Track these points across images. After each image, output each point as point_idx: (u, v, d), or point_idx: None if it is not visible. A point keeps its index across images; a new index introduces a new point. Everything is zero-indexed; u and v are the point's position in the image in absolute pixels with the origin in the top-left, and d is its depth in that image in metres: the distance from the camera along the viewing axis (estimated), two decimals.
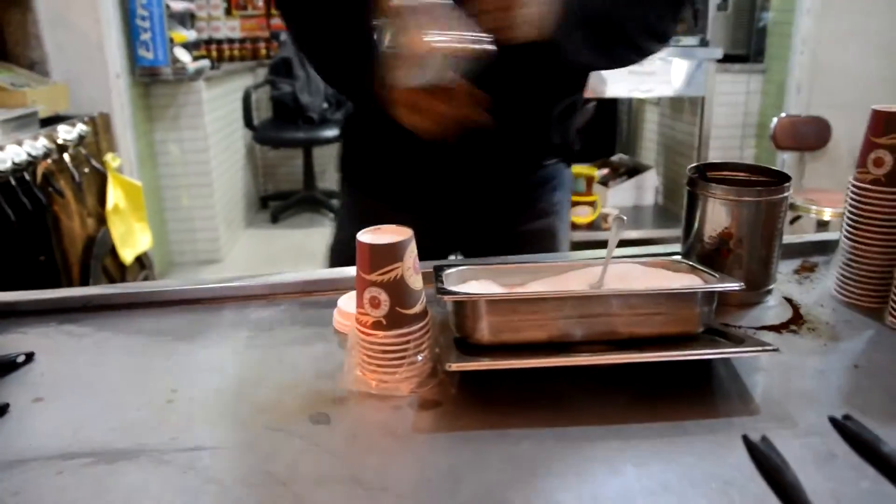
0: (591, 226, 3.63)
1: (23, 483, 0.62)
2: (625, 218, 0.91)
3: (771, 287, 0.96)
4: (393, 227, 0.76)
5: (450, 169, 1.16)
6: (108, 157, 2.78)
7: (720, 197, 0.93)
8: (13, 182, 2.07)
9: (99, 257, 2.66)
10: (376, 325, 0.74)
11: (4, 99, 2.42)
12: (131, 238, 2.88)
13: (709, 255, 0.94)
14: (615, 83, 3.46)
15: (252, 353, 0.85)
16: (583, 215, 3.66)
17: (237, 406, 0.74)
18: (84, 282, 2.57)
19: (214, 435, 0.68)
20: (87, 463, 0.65)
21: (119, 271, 2.84)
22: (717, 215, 0.94)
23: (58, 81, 2.88)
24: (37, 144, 2.24)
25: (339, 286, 0.99)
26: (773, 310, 0.93)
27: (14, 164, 2.06)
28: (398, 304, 0.73)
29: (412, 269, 0.74)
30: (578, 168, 3.70)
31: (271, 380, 0.78)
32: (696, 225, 0.96)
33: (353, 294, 0.91)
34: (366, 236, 0.73)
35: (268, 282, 1.02)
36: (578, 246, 3.54)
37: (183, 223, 3.94)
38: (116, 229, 2.77)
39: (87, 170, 2.57)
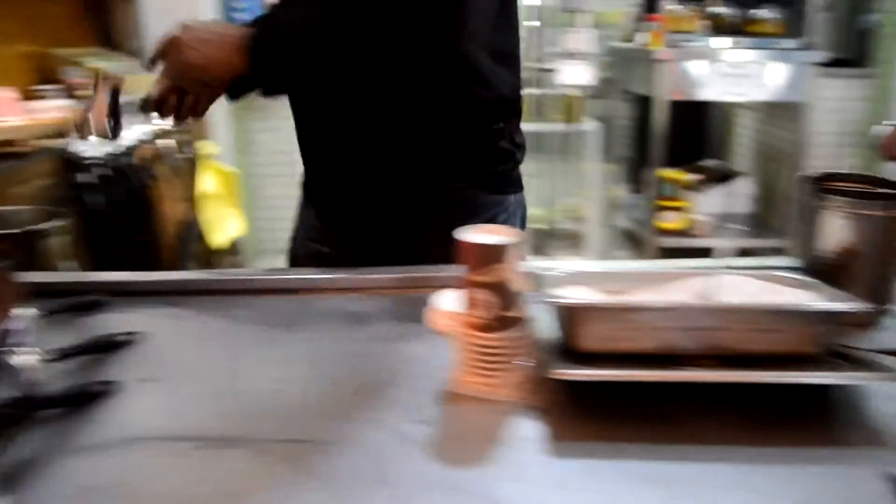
0: (681, 232, 3.54)
1: (131, 461, 0.64)
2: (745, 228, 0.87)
3: (888, 307, 0.91)
4: (498, 227, 0.75)
5: (349, 180, 1.19)
6: (203, 143, 2.86)
7: (840, 209, 0.88)
8: (117, 166, 2.15)
9: (191, 241, 2.74)
10: (482, 327, 0.72)
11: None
12: (221, 224, 2.96)
13: (823, 270, 0.90)
14: (706, 86, 3.36)
15: (350, 347, 0.85)
16: (671, 221, 3.57)
17: (338, 400, 0.74)
18: (177, 264, 2.65)
19: (317, 428, 0.68)
20: (193, 447, 0.65)
21: (210, 255, 2.92)
22: (835, 228, 0.89)
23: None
24: (139, 130, 2.33)
25: (434, 283, 0.98)
26: (890, 332, 0.88)
27: (123, 148, 2.14)
28: (504, 307, 0.71)
29: (517, 271, 0.72)
30: (665, 172, 3.60)
31: (371, 375, 0.78)
32: (809, 237, 0.92)
33: (448, 292, 0.91)
34: (471, 235, 0.72)
35: (363, 275, 1.02)
36: (667, 253, 3.48)
37: (271, 211, 4.03)
38: (205, 215, 2.85)
39: (183, 156, 2.65)
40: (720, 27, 3.50)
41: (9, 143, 2.01)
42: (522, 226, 1.30)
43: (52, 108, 2.37)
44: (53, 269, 1.49)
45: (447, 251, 1.17)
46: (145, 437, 0.67)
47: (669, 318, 0.74)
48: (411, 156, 1.14)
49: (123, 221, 2.33)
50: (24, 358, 0.73)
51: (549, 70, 3.45)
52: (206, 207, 2.83)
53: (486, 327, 0.72)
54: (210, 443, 0.66)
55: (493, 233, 0.73)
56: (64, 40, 2.81)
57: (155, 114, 1.12)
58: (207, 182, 2.85)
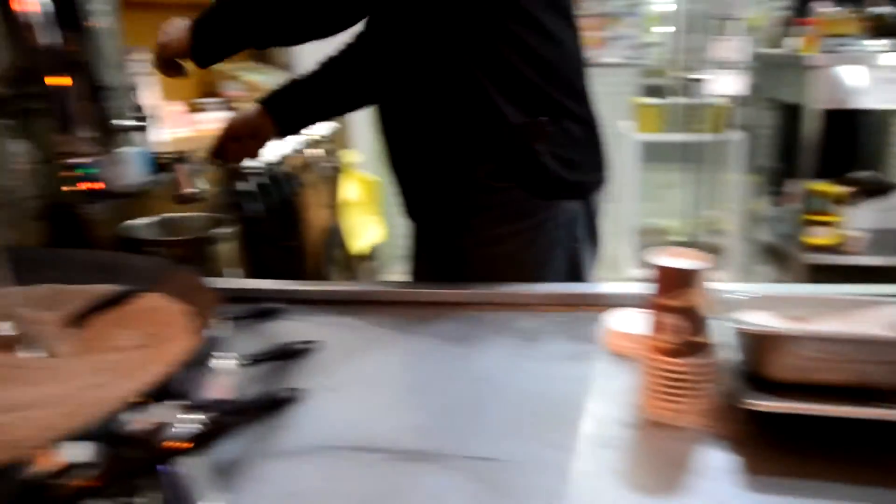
0: (831, 249, 3.34)
1: (328, 469, 0.67)
2: None
3: None
4: (688, 250, 0.73)
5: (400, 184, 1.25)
6: (347, 153, 2.96)
7: None
8: (272, 174, 2.26)
9: (334, 247, 2.84)
10: (670, 352, 0.71)
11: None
12: (362, 230, 3.05)
13: None
14: (864, 93, 3.15)
15: (524, 365, 0.86)
16: (820, 236, 3.37)
17: (519, 419, 0.74)
18: (320, 269, 2.75)
19: (501, 447, 0.69)
20: (380, 459, 0.68)
21: (350, 261, 3.01)
22: None
23: None
24: (293, 137, 2.44)
25: (603, 301, 0.97)
26: None
27: (278, 157, 2.26)
28: (694, 332, 0.70)
29: (706, 296, 0.70)
30: (814, 184, 3.41)
31: (548, 395, 0.78)
32: None
33: (623, 311, 0.89)
34: (665, 259, 0.71)
35: (531, 291, 1.03)
36: (816, 270, 3.29)
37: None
38: (347, 221, 2.94)
39: (329, 164, 2.75)
40: (881, 29, 3.28)
41: (179, 153, 2.16)
42: (589, 236, 1.23)
43: (214, 120, 2.52)
44: (220, 274, 1.58)
45: (488, 253, 1.17)
46: (337, 447, 0.70)
47: (865, 350, 0.70)
48: (458, 151, 1.13)
49: (274, 228, 2.44)
50: (225, 363, 0.78)
51: (696, 80, 3.34)
52: (348, 214, 2.93)
53: (675, 352, 0.71)
54: (399, 455, 0.68)
55: (684, 256, 0.72)
56: None
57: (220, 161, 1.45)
58: (350, 190, 2.94)
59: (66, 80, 1.42)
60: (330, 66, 1.37)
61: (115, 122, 1.53)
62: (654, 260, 0.72)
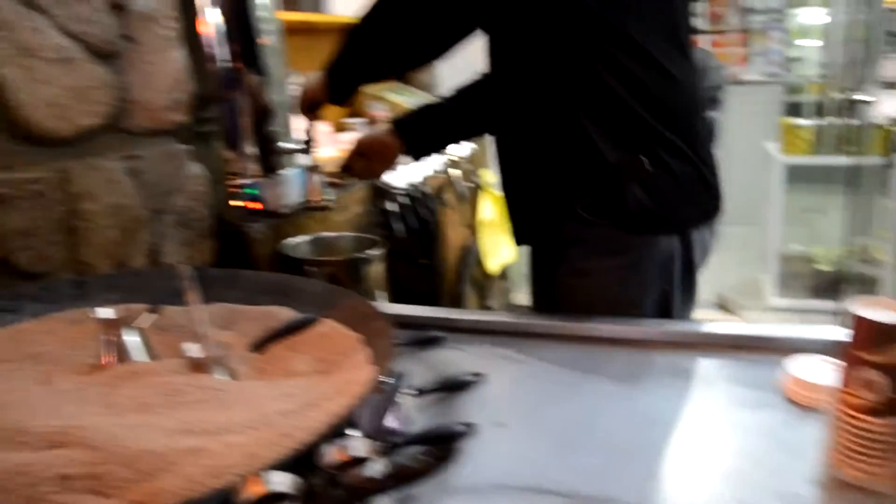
0: None
1: None
2: None
3: None
4: (890, 301, 0.68)
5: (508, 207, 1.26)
6: (485, 172, 2.97)
7: None
8: (415, 194, 2.30)
9: (470, 266, 2.85)
10: (868, 410, 0.66)
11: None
12: (497, 249, 3.05)
13: None
14: None
15: (698, 410, 0.82)
16: None
17: (698, 468, 0.71)
18: (456, 287, 2.77)
19: (681, 497, 0.66)
20: (555, 503, 0.66)
21: (484, 279, 3.02)
22: None
23: None
24: (435, 157, 2.47)
25: (783, 346, 0.92)
26: None
27: (419, 177, 2.30)
28: (895, 390, 0.64)
29: None
30: None
31: (727, 444, 0.74)
32: None
33: (806, 358, 0.84)
34: (867, 310, 0.66)
35: (700, 330, 0.98)
36: None
37: None
38: (484, 240, 2.95)
39: (468, 184, 2.77)
40: None
41: (313, 165, 2.24)
42: (686, 276, 1.18)
43: None
44: (371, 294, 1.62)
45: (579, 285, 1.15)
46: (510, 486, 0.69)
47: None
48: (558, 182, 1.13)
49: (413, 246, 2.49)
50: (401, 394, 0.78)
51: (857, 100, 3.15)
52: (484, 233, 2.94)
53: (873, 410, 0.65)
54: (573, 500, 0.66)
55: (887, 308, 0.66)
56: None
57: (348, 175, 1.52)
58: (487, 209, 2.95)
59: (236, 97, 1.51)
60: (459, 95, 1.43)
61: (280, 144, 1.60)
62: (855, 310, 0.66)
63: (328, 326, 0.88)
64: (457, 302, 2.80)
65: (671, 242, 1.13)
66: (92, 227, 1.13)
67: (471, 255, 2.87)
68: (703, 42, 5.05)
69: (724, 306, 3.95)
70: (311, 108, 1.34)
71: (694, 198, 1.14)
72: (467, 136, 1.52)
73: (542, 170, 1.16)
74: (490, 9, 1.09)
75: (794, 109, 4.79)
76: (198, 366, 0.77)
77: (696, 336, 0.97)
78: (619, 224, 1.09)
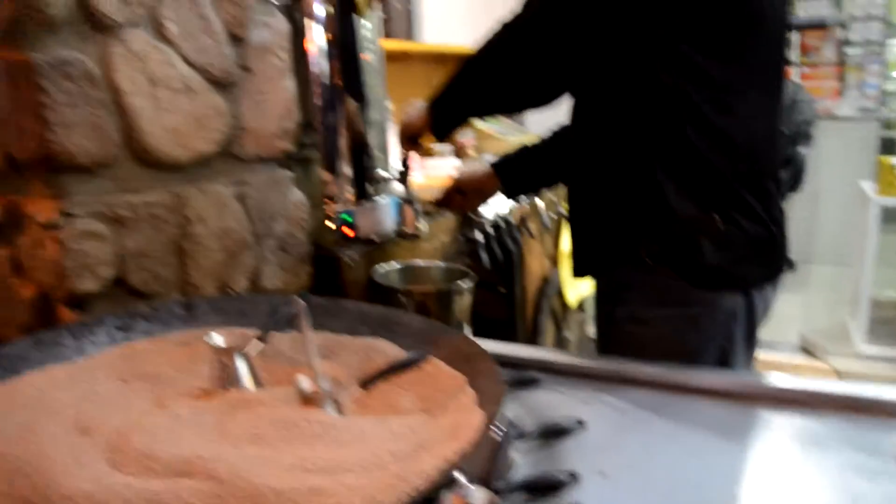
0: None
1: None
2: None
3: None
4: None
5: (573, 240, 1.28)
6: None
7: None
8: (501, 224, 2.31)
9: (549, 296, 2.83)
10: None
11: (493, 146, 2.74)
12: (576, 282, 3.03)
13: None
14: None
15: (806, 473, 0.79)
16: None
17: None
18: (535, 317, 2.76)
19: None
20: None
21: (563, 311, 2.99)
22: None
23: (532, 132, 3.16)
24: None
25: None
26: None
27: (505, 208, 2.30)
28: None
29: None
30: None
31: None
32: None
33: None
34: None
35: (807, 388, 0.95)
36: None
37: None
38: (564, 272, 2.93)
39: (553, 214, 2.76)
40: None
41: (408, 196, 2.27)
42: (747, 336, 1.14)
43: (446, 166, 2.62)
44: (459, 327, 1.62)
45: (636, 331, 1.13)
46: None
47: None
48: (625, 225, 1.13)
49: (496, 275, 2.49)
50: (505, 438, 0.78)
51: None
52: (564, 265, 2.92)
53: None
54: None
55: None
56: None
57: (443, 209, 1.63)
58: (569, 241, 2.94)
59: (337, 123, 1.54)
60: (555, 139, 1.45)
61: (378, 171, 1.63)
62: None
63: (432, 364, 0.88)
64: (534, 332, 2.78)
65: (735, 300, 1.12)
66: (201, 249, 1.17)
67: (550, 285, 2.85)
68: (793, 74, 4.92)
69: (808, 350, 3.81)
70: (411, 139, 1.37)
71: (763, 258, 1.13)
72: (564, 180, 1.52)
73: (610, 211, 1.16)
74: (585, 70, 1.10)
75: (891, 146, 4.61)
76: (308, 398, 0.79)
77: (804, 394, 0.94)
78: (685, 276, 1.09)
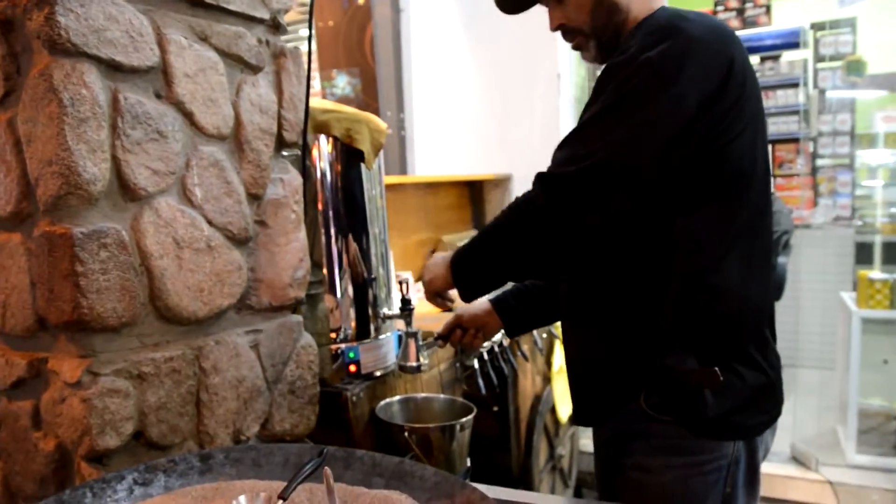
0: None
1: None
2: None
3: None
4: None
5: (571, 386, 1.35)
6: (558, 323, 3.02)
7: None
8: (494, 350, 2.35)
9: (542, 414, 2.85)
10: None
11: None
12: (568, 398, 3.05)
13: None
14: None
15: None
16: None
17: None
18: (528, 434, 2.76)
19: None
20: None
21: (554, 427, 3.01)
22: None
23: None
24: None
25: None
26: None
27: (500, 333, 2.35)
28: None
29: None
30: None
31: None
32: None
33: None
34: None
35: None
36: None
37: None
38: (556, 389, 2.96)
39: (544, 334, 2.82)
40: None
41: (411, 329, 2.32)
42: (749, 482, 1.16)
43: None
44: (462, 459, 1.65)
45: (639, 479, 1.16)
46: None
47: None
48: (625, 376, 1.17)
49: (492, 398, 2.51)
50: None
51: None
52: (556, 382, 2.95)
53: None
54: None
55: None
56: (448, 226, 3.22)
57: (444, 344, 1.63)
58: (560, 359, 2.98)
59: (342, 264, 1.61)
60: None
61: (382, 310, 1.69)
62: None
63: None
64: (528, 448, 2.79)
65: (737, 447, 1.15)
66: (216, 399, 1.21)
67: (543, 402, 2.88)
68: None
69: (800, 460, 3.80)
70: (438, 294, 1.41)
71: (763, 404, 1.17)
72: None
73: (610, 363, 1.20)
74: (593, 252, 1.14)
75: (867, 250, 4.75)
76: None
77: None
78: (688, 426, 1.12)
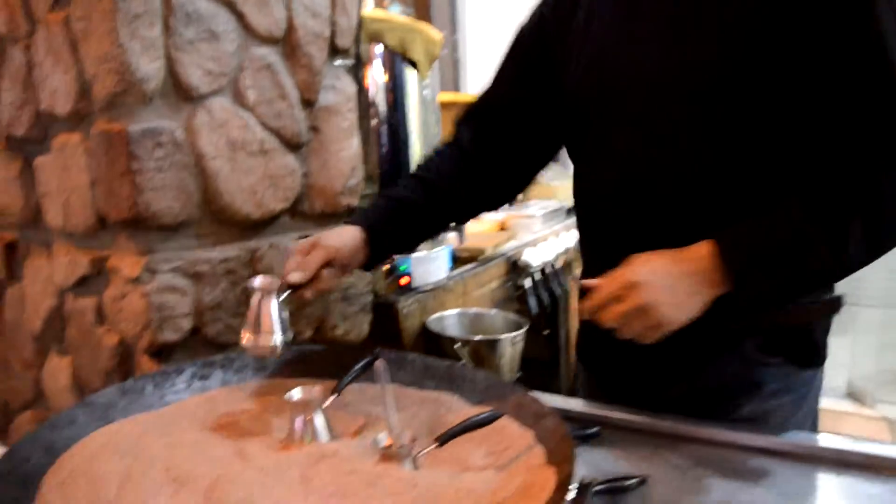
0: None
1: None
2: None
3: None
4: None
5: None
6: None
7: None
8: (548, 271, 2.34)
9: None
10: None
11: (543, 192, 2.79)
12: None
13: None
14: None
15: None
16: None
17: None
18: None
19: None
20: None
21: None
22: None
23: None
24: (566, 235, 2.51)
25: None
26: None
27: (554, 255, 2.34)
28: None
29: None
30: None
31: None
32: None
33: None
34: None
35: (869, 451, 0.96)
36: None
37: None
38: None
39: None
40: None
41: (471, 250, 2.32)
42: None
43: (500, 219, 2.67)
44: (511, 373, 1.65)
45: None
46: None
47: None
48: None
49: (544, 320, 2.52)
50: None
51: None
52: None
53: None
54: None
55: None
56: None
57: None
58: None
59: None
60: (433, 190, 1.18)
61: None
62: None
63: (500, 420, 0.92)
64: (577, 372, 2.79)
65: (820, 371, 1.11)
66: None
67: None
68: None
69: (856, 397, 3.74)
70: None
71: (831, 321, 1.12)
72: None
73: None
74: None
75: None
76: (386, 454, 0.83)
77: (865, 457, 0.95)
78: (798, 362, 1.07)
